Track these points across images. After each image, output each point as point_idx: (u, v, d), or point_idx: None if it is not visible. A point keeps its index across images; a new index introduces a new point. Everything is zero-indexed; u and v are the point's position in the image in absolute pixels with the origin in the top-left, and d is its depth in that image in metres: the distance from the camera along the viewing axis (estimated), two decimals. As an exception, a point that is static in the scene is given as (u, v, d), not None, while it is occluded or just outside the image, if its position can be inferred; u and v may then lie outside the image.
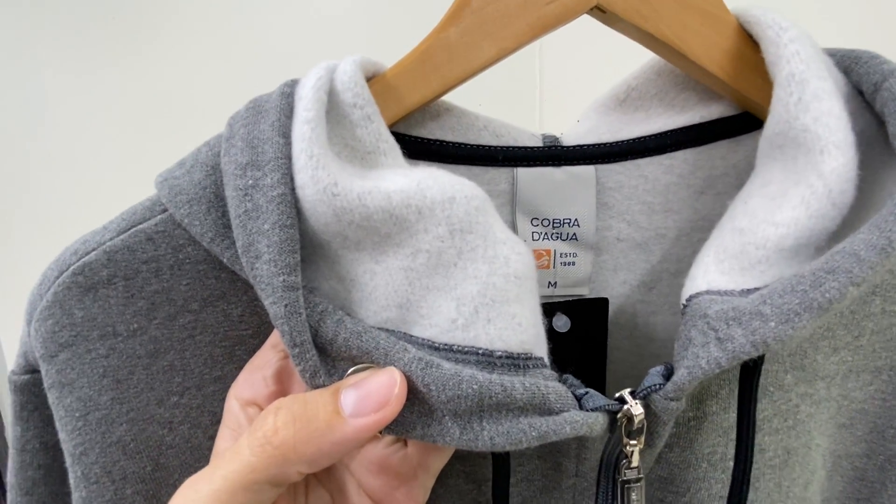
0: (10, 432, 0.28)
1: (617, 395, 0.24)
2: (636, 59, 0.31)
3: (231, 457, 0.21)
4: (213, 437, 0.27)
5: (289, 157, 0.23)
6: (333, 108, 0.24)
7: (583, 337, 0.30)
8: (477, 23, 0.26)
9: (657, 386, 0.23)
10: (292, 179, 0.23)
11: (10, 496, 0.29)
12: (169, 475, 0.27)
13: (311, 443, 0.21)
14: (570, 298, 0.30)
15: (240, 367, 0.27)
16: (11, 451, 0.28)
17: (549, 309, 0.30)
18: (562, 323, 0.30)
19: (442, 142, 0.28)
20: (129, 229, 0.27)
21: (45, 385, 0.27)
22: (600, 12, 0.27)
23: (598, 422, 0.22)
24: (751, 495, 0.26)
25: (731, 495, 0.24)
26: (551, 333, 0.30)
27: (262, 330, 0.27)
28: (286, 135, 0.23)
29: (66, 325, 0.26)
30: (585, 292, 0.31)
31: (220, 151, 0.25)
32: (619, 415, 0.23)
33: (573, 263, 0.30)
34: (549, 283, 0.30)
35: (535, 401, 0.22)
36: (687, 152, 0.29)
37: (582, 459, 0.27)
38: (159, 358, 0.27)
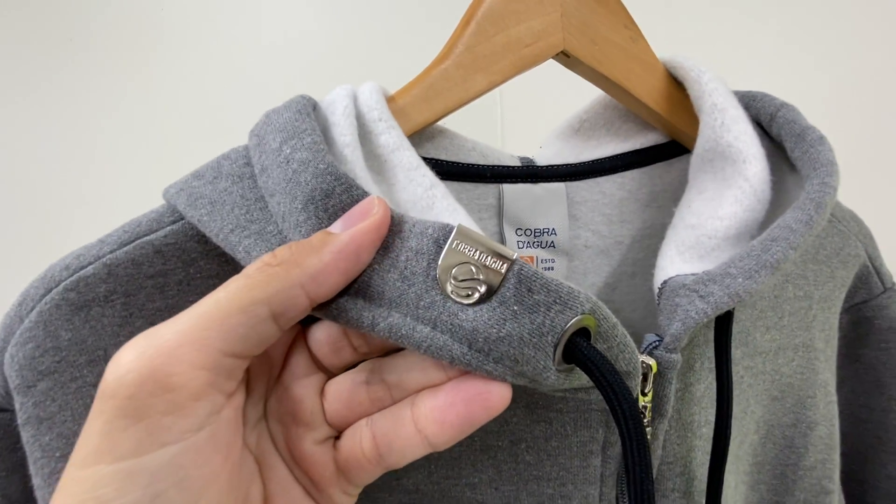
0: None
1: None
2: (581, 95, 0.37)
3: (223, 286, 0.19)
4: None
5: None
6: (361, 126, 0.27)
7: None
8: (471, 59, 0.31)
9: (656, 343, 0.26)
10: None
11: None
12: None
13: (312, 254, 0.20)
14: (552, 299, 0.34)
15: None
16: None
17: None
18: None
19: (437, 160, 0.32)
20: (134, 241, 0.26)
21: (19, 421, 0.24)
22: (565, 57, 0.32)
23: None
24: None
25: (713, 456, 0.28)
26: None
27: None
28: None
29: (48, 349, 0.24)
30: (562, 294, 0.35)
31: (247, 162, 0.26)
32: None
33: (552, 268, 0.34)
34: (532, 287, 0.34)
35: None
36: (634, 172, 0.35)
37: (609, 443, 0.28)
38: None
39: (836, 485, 0.38)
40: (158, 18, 0.69)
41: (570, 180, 0.34)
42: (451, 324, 0.20)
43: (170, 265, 0.26)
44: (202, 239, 0.26)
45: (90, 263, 0.25)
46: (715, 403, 0.28)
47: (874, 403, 0.42)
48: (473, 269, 0.20)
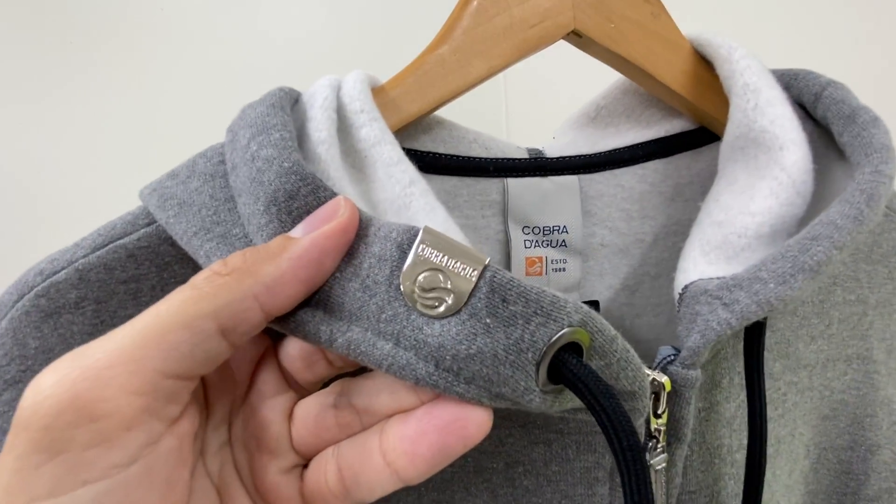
0: None
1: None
2: (594, 79, 0.34)
3: (165, 298, 0.17)
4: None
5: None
6: (341, 119, 0.25)
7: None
8: (468, 42, 0.28)
9: (671, 357, 0.23)
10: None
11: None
12: None
13: (268, 261, 0.18)
14: (563, 303, 0.31)
15: None
16: None
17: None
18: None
19: (435, 154, 0.29)
20: (107, 245, 0.25)
21: None
22: (576, 37, 0.29)
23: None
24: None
25: (745, 488, 0.24)
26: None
27: None
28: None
29: (14, 357, 0.23)
30: (576, 297, 0.32)
31: (222, 160, 0.24)
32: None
33: (564, 269, 0.31)
34: (542, 289, 0.31)
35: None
36: (657, 162, 0.32)
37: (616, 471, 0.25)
38: None
39: None
40: (158, 20, 0.70)
41: (584, 173, 0.31)
42: (416, 339, 0.18)
43: (143, 269, 0.25)
44: (175, 242, 0.25)
45: (63, 269, 0.24)
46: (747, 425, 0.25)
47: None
48: (441, 277, 0.18)
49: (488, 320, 0.18)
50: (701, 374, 0.23)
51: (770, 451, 0.29)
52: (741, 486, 0.26)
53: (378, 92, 0.27)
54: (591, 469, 0.24)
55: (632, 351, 0.20)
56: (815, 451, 0.32)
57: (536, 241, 0.31)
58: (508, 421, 0.25)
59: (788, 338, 0.29)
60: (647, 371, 0.21)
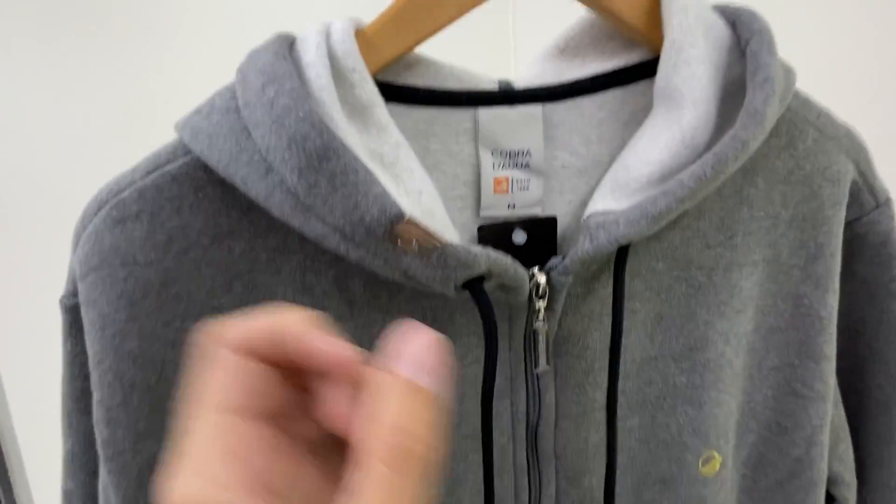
0: (62, 349, 0.33)
1: (531, 270, 0.33)
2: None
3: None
4: None
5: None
6: (335, 69, 0.30)
7: (537, 248, 0.37)
8: (441, -16, 0.31)
9: (555, 266, 0.33)
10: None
11: (62, 404, 0.33)
12: (170, 387, 0.31)
13: None
14: (526, 217, 0.37)
15: (235, 299, 0.32)
16: (63, 365, 0.33)
17: (509, 226, 0.36)
18: (520, 237, 0.37)
19: (415, 87, 0.34)
20: (156, 170, 0.31)
21: (80, 301, 0.31)
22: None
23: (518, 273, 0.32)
24: (624, 341, 0.36)
25: (612, 342, 0.34)
26: (511, 247, 0.37)
27: (256, 266, 0.32)
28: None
29: (96, 251, 0.31)
30: (538, 211, 0.37)
31: (233, 96, 0.30)
32: (531, 281, 0.33)
33: (527, 188, 0.36)
34: (509, 205, 0.37)
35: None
36: (616, 91, 0.36)
37: (514, 319, 0.35)
38: (169, 286, 0.31)
39: (815, 392, 0.40)
40: (167, 8, 0.70)
41: (549, 101, 0.35)
42: (395, 261, 0.29)
43: (184, 191, 0.31)
44: (207, 168, 0.31)
45: (126, 188, 0.31)
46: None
47: (868, 317, 0.43)
48: (414, 241, 0.28)
49: (435, 263, 0.29)
50: (572, 278, 0.33)
51: (648, 321, 0.37)
52: (605, 335, 0.36)
53: (359, 36, 0.31)
54: (498, 316, 0.34)
55: (519, 270, 0.32)
56: (734, 339, 0.38)
57: (504, 163, 0.36)
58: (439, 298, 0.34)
59: (676, 245, 0.36)
60: (535, 272, 0.33)
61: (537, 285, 0.33)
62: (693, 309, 0.37)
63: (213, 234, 0.31)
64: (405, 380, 0.17)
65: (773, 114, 0.31)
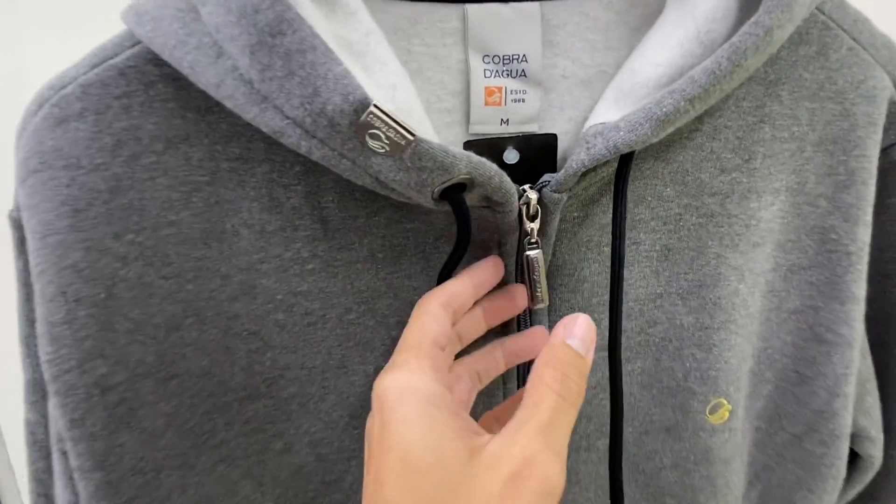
0: (14, 267, 0.30)
1: (521, 188, 0.30)
2: None
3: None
4: (165, 277, 0.29)
5: None
6: None
7: (531, 169, 0.33)
8: None
9: (547, 182, 0.29)
10: None
11: (19, 329, 0.31)
12: (121, 306, 0.28)
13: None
14: (521, 135, 0.33)
15: (195, 215, 0.29)
16: (17, 285, 0.30)
17: (500, 143, 0.33)
18: (512, 156, 0.33)
19: (395, -21, 0.30)
20: (101, 64, 0.28)
21: (21, 207, 0.29)
22: None
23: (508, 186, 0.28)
24: (626, 274, 0.33)
25: (611, 275, 0.30)
26: (502, 167, 0.33)
27: (217, 177, 0.29)
28: None
29: (36, 152, 0.27)
30: (535, 129, 0.33)
31: None
32: (521, 200, 0.29)
33: (523, 101, 0.33)
34: (501, 120, 0.33)
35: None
36: (624, -11, 0.32)
37: (503, 244, 0.31)
38: (119, 195, 0.28)
39: (840, 337, 0.37)
40: None
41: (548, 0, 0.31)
42: (365, 163, 0.25)
43: (132, 87, 0.28)
44: (158, 62, 0.28)
45: (69, 84, 0.28)
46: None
47: (902, 258, 0.38)
48: (384, 137, 0.24)
49: (409, 164, 0.25)
50: (565, 196, 0.29)
51: (653, 254, 0.34)
52: (605, 268, 0.33)
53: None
54: (486, 241, 0.31)
55: (505, 181, 0.28)
56: (749, 276, 0.34)
57: (496, 70, 0.32)
58: (433, 211, 0.30)
59: (687, 169, 0.32)
60: (527, 189, 0.30)
61: (528, 204, 0.30)
62: (704, 241, 0.34)
63: (167, 139, 0.28)
64: (574, 350, 0.25)
65: (803, 1, 0.26)
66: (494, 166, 0.27)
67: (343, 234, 0.31)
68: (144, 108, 0.28)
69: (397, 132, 0.24)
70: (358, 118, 0.23)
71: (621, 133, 0.27)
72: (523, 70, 0.32)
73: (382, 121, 0.23)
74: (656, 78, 0.29)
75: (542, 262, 0.31)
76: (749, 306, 0.36)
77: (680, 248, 0.34)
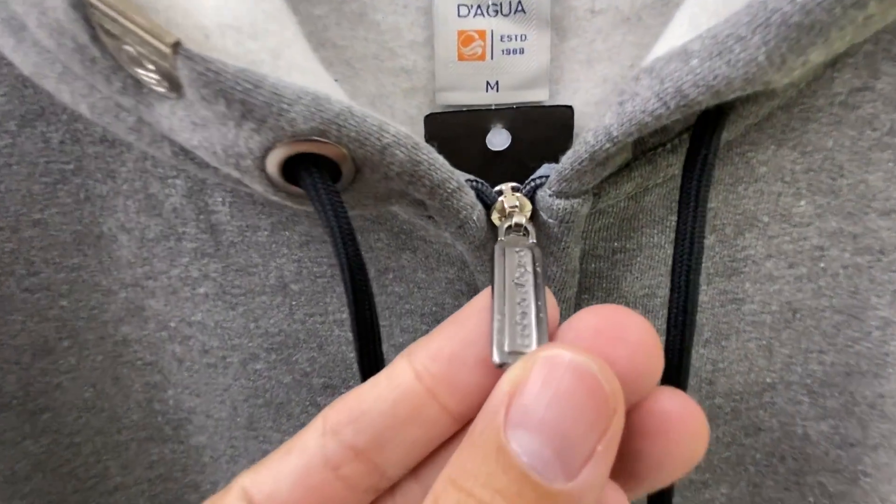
0: None
1: (497, 188, 0.18)
2: None
3: None
4: (30, 290, 0.23)
5: None
6: None
7: (529, 160, 0.21)
8: None
9: (542, 179, 0.17)
10: None
11: None
12: None
13: None
14: (515, 106, 0.21)
15: (64, 213, 0.22)
16: None
17: (480, 118, 0.21)
18: (499, 140, 0.21)
19: None
20: None
21: None
22: None
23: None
24: (714, 354, 0.20)
25: (667, 362, 0.15)
26: (484, 154, 0.21)
27: (83, 165, 0.22)
28: None
29: None
30: (543, 97, 0.21)
31: None
32: (492, 211, 0.17)
33: (521, 51, 0.20)
34: (487, 83, 0.21)
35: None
36: None
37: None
38: None
39: None
40: None
41: None
42: (151, 117, 0.16)
43: None
44: None
45: None
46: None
47: None
48: (134, 51, 0.14)
49: (204, 113, 0.15)
50: (585, 204, 0.16)
51: (764, 316, 0.19)
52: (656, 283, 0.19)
53: None
54: (453, 281, 0.21)
55: (436, 165, 0.16)
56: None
57: (477, 5, 0.20)
58: (377, 225, 0.20)
59: (842, 163, 0.18)
60: (505, 190, 0.17)
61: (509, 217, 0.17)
62: (863, 297, 0.19)
63: (20, 115, 0.22)
64: (522, 467, 0.11)
65: None
66: (402, 131, 0.15)
67: (240, 251, 0.22)
68: None
69: (140, 38, 0.13)
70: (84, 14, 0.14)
71: (693, 63, 0.13)
72: (520, 4, 0.20)
73: (121, 25, 0.13)
74: None
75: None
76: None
77: (816, 309, 0.20)
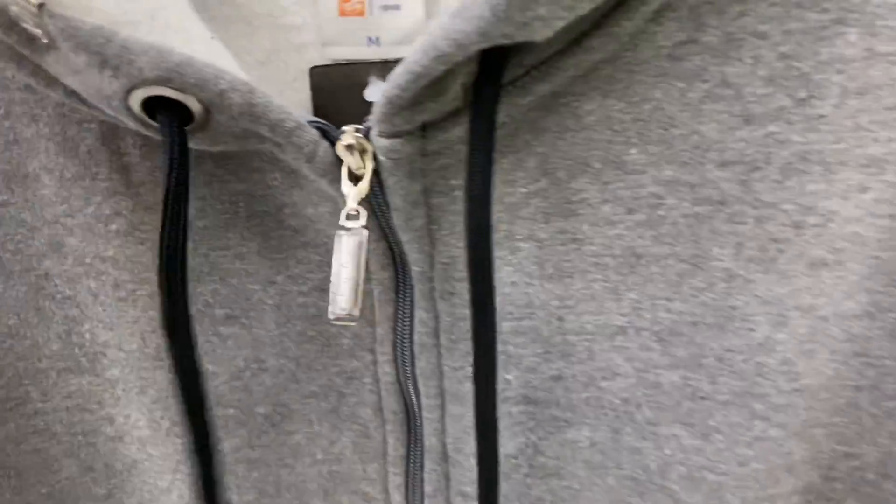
0: None
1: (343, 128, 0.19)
2: None
3: None
4: None
5: None
6: None
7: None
8: None
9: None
10: None
11: None
12: None
13: None
14: (391, 60, 0.22)
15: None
16: None
17: (359, 71, 0.22)
18: (375, 92, 0.22)
19: None
20: None
21: None
22: None
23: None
24: (562, 290, 0.21)
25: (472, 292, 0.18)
26: (362, 106, 0.22)
27: (12, 111, 0.24)
28: None
29: None
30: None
31: None
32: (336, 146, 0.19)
33: (398, 7, 0.21)
34: (369, 38, 0.22)
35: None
36: None
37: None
38: None
39: None
40: None
41: None
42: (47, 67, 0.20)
43: None
44: None
45: None
46: None
47: None
48: (17, 9, 0.17)
49: (75, 61, 0.17)
50: (408, 144, 0.18)
51: (606, 259, 0.20)
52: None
53: None
54: (333, 214, 0.22)
55: (269, 105, 0.18)
56: (803, 320, 0.19)
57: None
58: (272, 165, 0.22)
59: (672, 114, 0.18)
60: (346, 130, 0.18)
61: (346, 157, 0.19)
62: (704, 247, 0.20)
63: None
64: None
65: None
66: (239, 78, 0.18)
67: (149, 190, 0.24)
68: None
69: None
70: None
71: (444, 20, 0.15)
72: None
73: None
74: None
75: (363, 250, 0.20)
76: (802, 376, 0.20)
77: (658, 256, 0.20)
